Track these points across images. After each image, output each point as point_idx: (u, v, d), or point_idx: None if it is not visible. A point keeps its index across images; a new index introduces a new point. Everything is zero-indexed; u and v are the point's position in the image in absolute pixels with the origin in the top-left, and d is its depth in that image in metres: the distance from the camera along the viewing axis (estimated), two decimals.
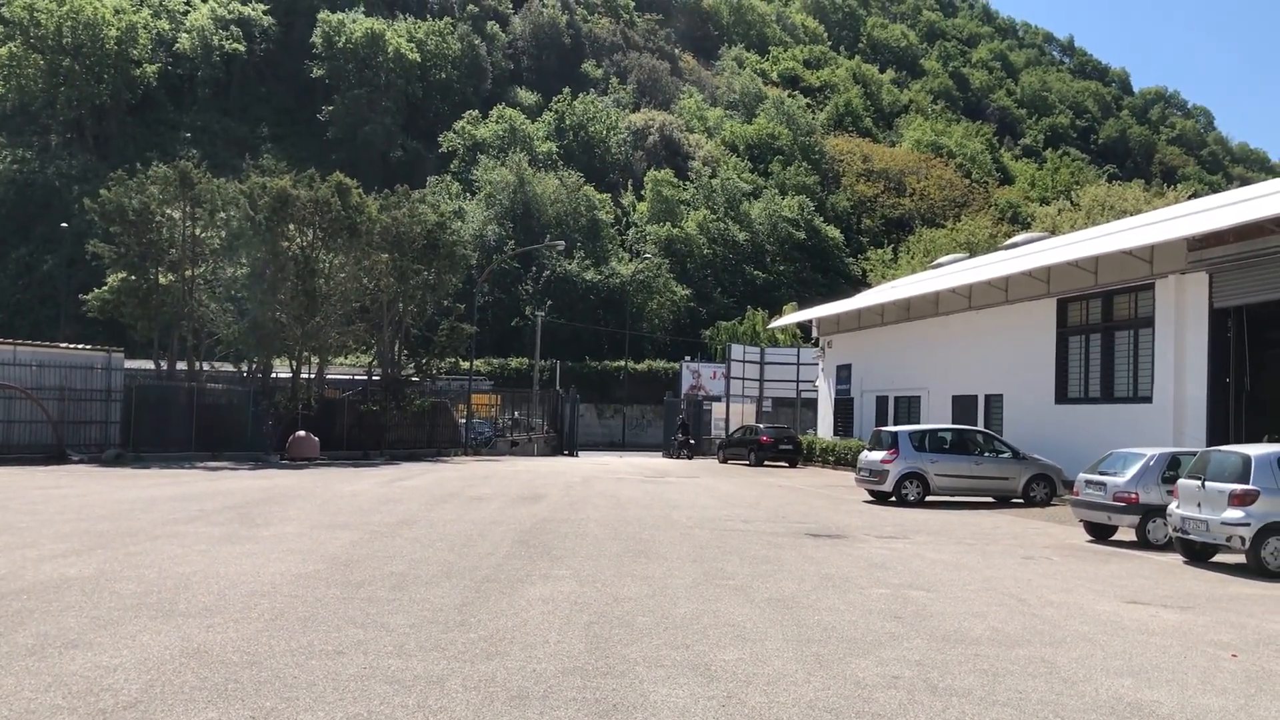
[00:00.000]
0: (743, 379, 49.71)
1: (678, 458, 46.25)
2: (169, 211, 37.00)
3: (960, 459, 24.13)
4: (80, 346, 35.53)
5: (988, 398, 32.33)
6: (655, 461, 44.08)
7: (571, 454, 47.74)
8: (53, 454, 31.26)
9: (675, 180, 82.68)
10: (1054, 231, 52.98)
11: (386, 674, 7.08)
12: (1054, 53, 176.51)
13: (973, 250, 58.46)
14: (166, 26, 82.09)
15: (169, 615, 8.79)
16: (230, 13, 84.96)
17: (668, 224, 77.47)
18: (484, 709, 6.36)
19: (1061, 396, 28.94)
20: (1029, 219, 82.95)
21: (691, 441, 47.99)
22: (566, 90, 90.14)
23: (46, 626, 8.22)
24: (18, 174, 69.80)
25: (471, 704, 6.46)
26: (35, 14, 70.48)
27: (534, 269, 68.72)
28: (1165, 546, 15.99)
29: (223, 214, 37.35)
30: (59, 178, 69.14)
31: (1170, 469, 16.39)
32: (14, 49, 70.22)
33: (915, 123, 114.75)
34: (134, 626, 8.30)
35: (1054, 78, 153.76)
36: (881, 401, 38.95)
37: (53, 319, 57.31)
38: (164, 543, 13.35)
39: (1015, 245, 40.12)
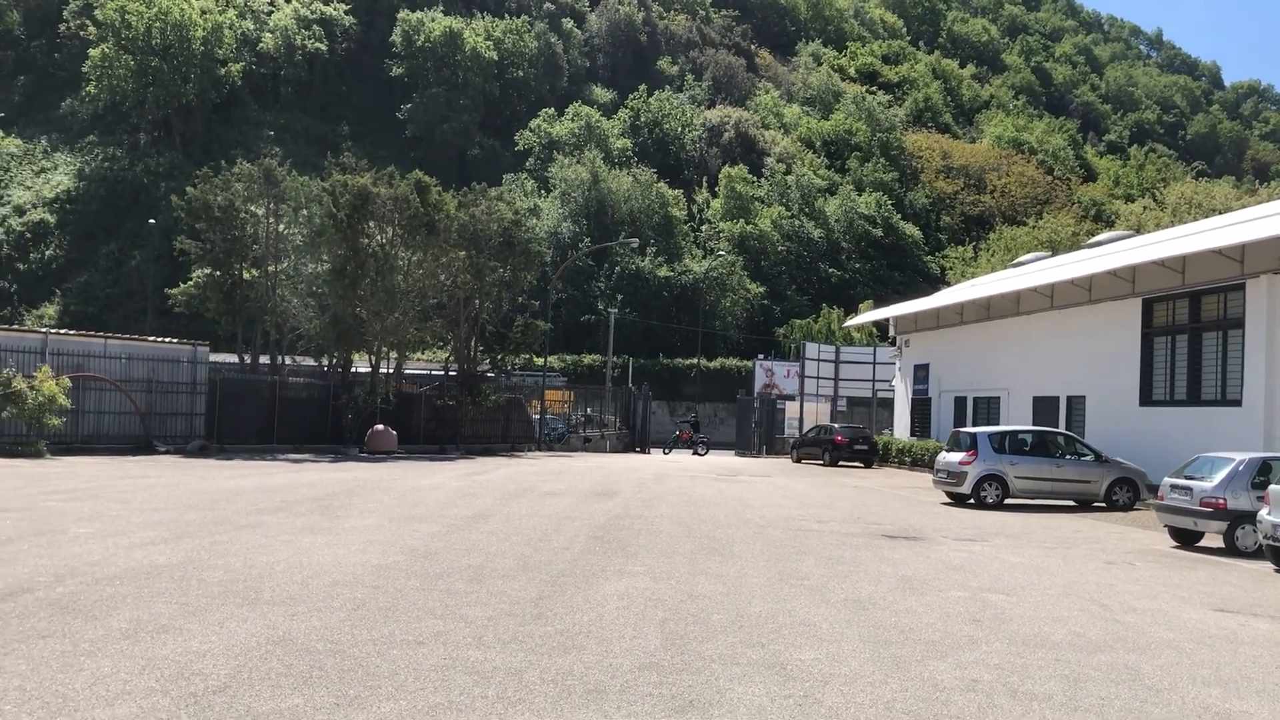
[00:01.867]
0: (817, 378, 49.35)
1: (669, 452, 47.09)
2: (253, 208, 37.83)
3: (1041, 461, 23.72)
4: (167, 340, 36.46)
5: (1069, 399, 31.73)
6: (727, 460, 43.98)
7: (644, 451, 47.83)
8: (140, 445, 32.17)
9: (750, 177, 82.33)
10: (1139, 230, 51.78)
11: (466, 665, 7.18)
12: (1141, 46, 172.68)
13: (1055, 249, 57.37)
14: (251, 27, 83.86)
15: (254, 603, 9.01)
16: (312, 12, 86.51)
17: (742, 221, 77.16)
18: (562, 701, 6.42)
19: (1146, 399, 28.28)
20: (1113, 217, 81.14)
21: (705, 439, 48.83)
22: (642, 87, 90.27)
23: (139, 612, 8.48)
24: (109, 171, 71.93)
25: (549, 696, 6.52)
26: (126, 16, 72.44)
27: (607, 266, 68.95)
28: (1255, 554, 15.55)
29: (305, 211, 38.08)
30: (147, 175, 71.09)
31: (1260, 474, 15.94)
32: (106, 50, 72.24)
33: (996, 118, 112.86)
34: (221, 613, 8.53)
35: (1140, 72, 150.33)
36: (960, 402, 38.41)
37: (140, 313, 58.95)
38: (248, 533, 13.67)
39: (1099, 244, 39.28)
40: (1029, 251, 54.89)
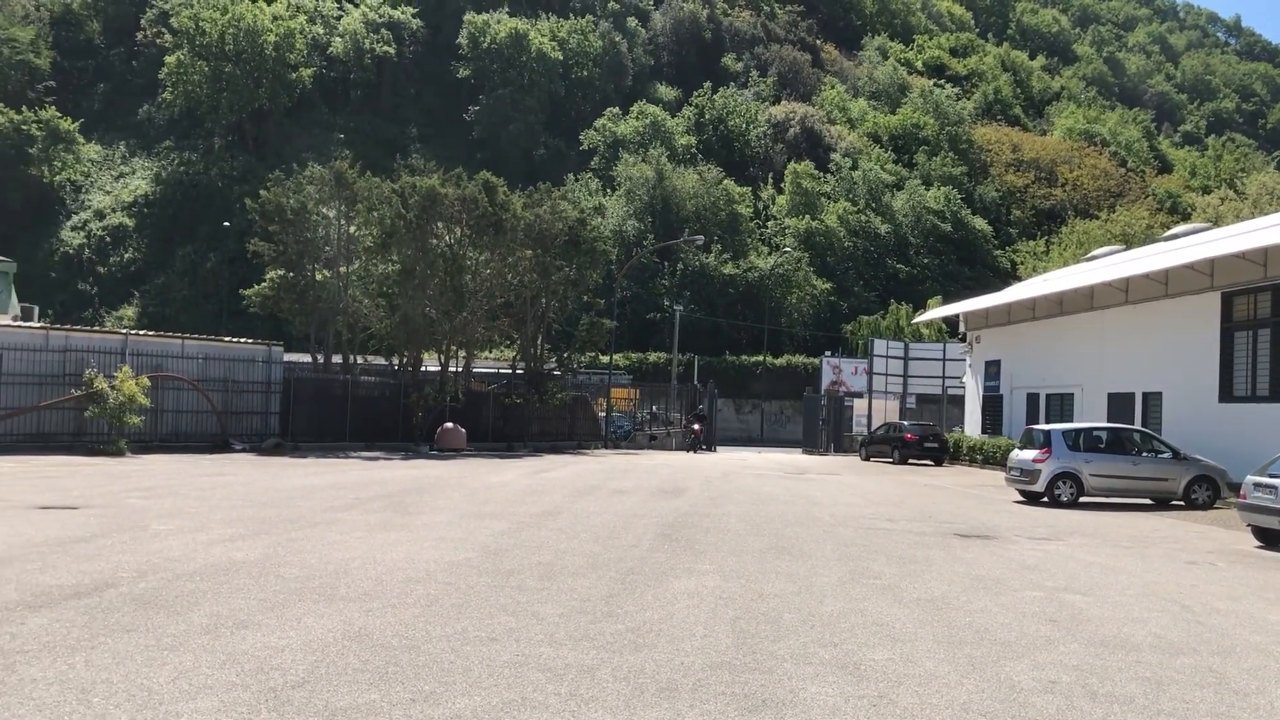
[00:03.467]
0: (885, 375, 48.88)
1: (694, 450, 44.60)
2: (324, 210, 38.47)
3: (1117, 459, 23.24)
4: (242, 340, 37.15)
5: (1145, 395, 31.06)
6: (795, 458, 43.73)
7: (709, 449, 47.76)
8: (217, 443, 32.82)
9: (815, 172, 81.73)
10: (1217, 222, 50.55)
11: (539, 662, 7.22)
12: (1218, 34, 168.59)
13: (1129, 242, 56.20)
14: (321, 31, 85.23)
15: (331, 599, 9.14)
16: (381, 16, 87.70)
17: (807, 217, 76.64)
18: (634, 699, 6.43)
19: (1226, 395, 27.58)
20: (1189, 209, 79.29)
21: (699, 433, 45.69)
22: (706, 84, 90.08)
23: (218, 607, 8.65)
24: (184, 175, 73.63)
25: (622, 694, 6.53)
26: (200, 23, 74.07)
27: (671, 264, 68.92)
28: None
29: (375, 212, 38.61)
30: (221, 179, 72.62)
31: None
32: (181, 57, 73.95)
33: (1067, 110, 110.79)
34: (299, 609, 8.67)
35: (1218, 60, 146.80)
36: (1032, 399, 37.80)
37: (216, 314, 60.23)
38: (323, 529, 13.89)
39: (1175, 236, 38.39)
40: (1102, 245, 53.85)
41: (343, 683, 6.55)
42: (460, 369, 40.93)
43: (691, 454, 42.41)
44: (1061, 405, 35.72)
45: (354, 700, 6.19)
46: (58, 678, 6.44)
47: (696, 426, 46.04)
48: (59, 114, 74.86)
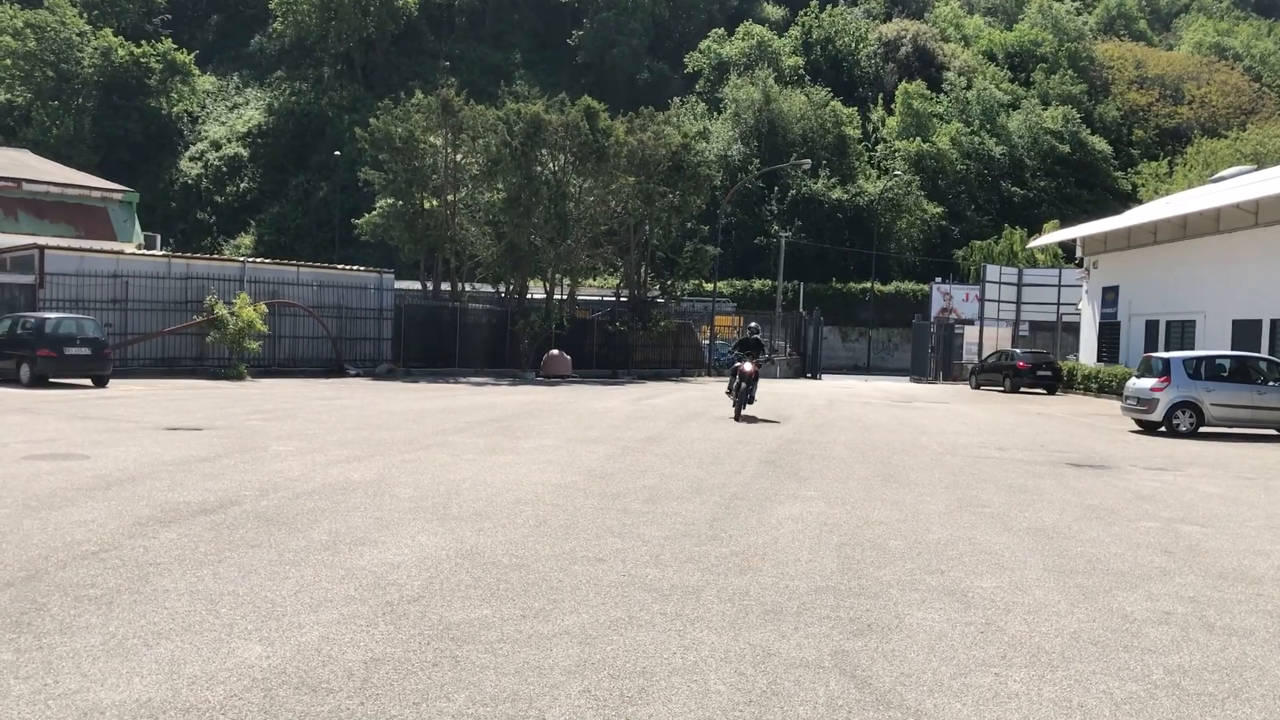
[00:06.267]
0: (998, 301, 47.72)
1: (739, 407, 22.25)
2: (431, 139, 38.81)
3: (1240, 388, 22.43)
4: (355, 268, 37.94)
5: (1274, 323, 29.77)
6: (902, 386, 43.18)
7: (814, 377, 47.44)
8: (332, 368, 33.79)
9: (927, 93, 79.31)
10: None
11: (644, 582, 7.33)
12: None
13: (1261, 162, 53.50)
14: None
15: (443, 519, 9.40)
16: None
17: (919, 139, 74.59)
18: (739, 620, 6.49)
19: None
20: None
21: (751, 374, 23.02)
22: (814, 2, 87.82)
23: (337, 525, 8.96)
24: (295, 105, 74.96)
25: (727, 615, 6.60)
26: None
27: (778, 188, 67.96)
28: None
29: (481, 140, 38.82)
30: (331, 108, 73.74)
31: None
32: None
33: (1196, 23, 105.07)
34: (413, 528, 8.93)
35: None
36: (1151, 326, 36.59)
37: (328, 242, 61.55)
38: (435, 451, 14.24)
39: None
40: (1231, 166, 51.40)
41: (455, 598, 6.75)
42: (565, 296, 41.25)
43: (734, 418, 21.45)
44: (1182, 332, 34.53)
45: (466, 615, 6.38)
46: (188, 589, 6.77)
47: (747, 367, 22.15)
48: (175, 46, 76.63)
